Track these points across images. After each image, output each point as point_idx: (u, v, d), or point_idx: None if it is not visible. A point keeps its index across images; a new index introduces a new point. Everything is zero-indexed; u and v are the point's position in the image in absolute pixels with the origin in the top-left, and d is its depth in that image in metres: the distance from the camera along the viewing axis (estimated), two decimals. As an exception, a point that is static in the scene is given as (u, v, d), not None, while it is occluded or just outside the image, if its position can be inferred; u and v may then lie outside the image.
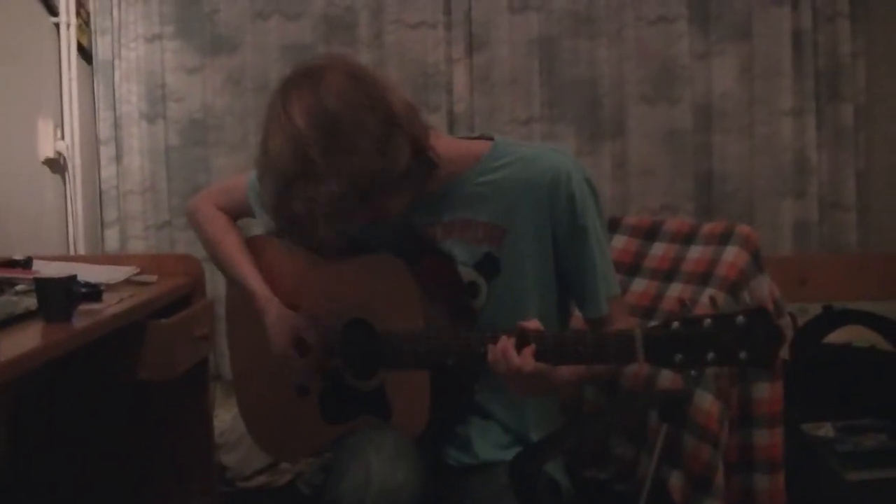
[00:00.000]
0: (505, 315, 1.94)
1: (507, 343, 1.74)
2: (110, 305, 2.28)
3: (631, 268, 2.35)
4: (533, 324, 1.76)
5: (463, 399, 2.00)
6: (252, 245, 2.22)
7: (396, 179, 1.80)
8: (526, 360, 1.72)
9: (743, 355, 1.56)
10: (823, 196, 3.57)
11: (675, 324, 1.62)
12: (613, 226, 2.41)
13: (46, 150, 3.18)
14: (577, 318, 2.07)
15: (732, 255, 2.18)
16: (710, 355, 1.58)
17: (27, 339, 1.91)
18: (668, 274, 2.29)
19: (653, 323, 2.17)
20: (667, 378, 2.11)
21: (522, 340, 1.74)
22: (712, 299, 1.99)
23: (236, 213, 2.27)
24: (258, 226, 2.24)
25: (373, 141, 1.75)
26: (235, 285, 2.21)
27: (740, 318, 1.57)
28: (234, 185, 2.27)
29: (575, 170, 1.94)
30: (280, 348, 2.06)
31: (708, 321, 1.59)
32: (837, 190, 3.56)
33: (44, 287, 2.08)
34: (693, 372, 1.63)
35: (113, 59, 3.53)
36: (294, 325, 2.06)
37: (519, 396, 1.90)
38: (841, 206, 3.56)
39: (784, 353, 1.66)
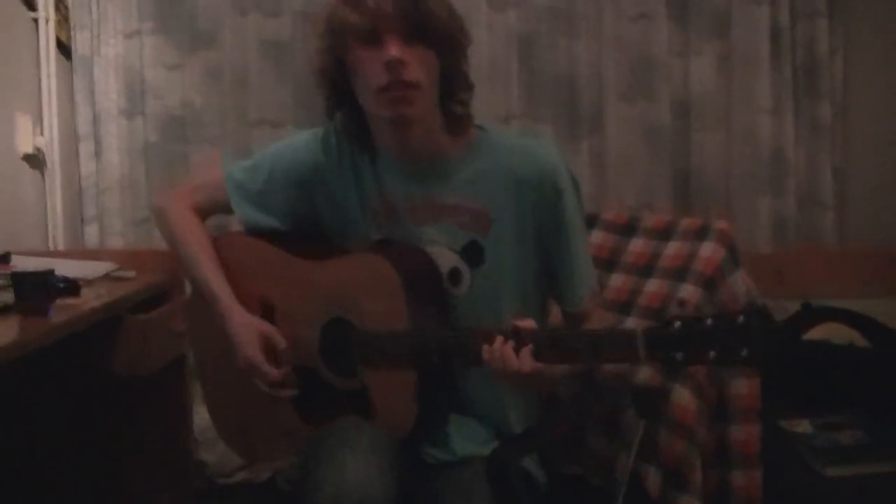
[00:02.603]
0: (486, 304, 1.96)
1: (504, 344, 1.74)
2: (88, 300, 2.27)
3: (608, 263, 2.36)
4: (528, 323, 1.77)
5: (448, 398, 2.00)
6: (225, 244, 2.18)
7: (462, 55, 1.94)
8: (524, 361, 1.72)
9: (744, 353, 1.57)
10: (801, 192, 3.58)
11: (677, 323, 1.62)
12: (591, 221, 2.42)
13: (25, 146, 3.17)
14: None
15: (709, 250, 2.19)
16: (712, 354, 1.59)
17: (3, 333, 1.92)
18: (646, 269, 2.30)
19: (630, 318, 2.19)
20: (644, 373, 2.12)
21: (520, 341, 1.74)
22: (682, 302, 2.01)
23: (209, 210, 2.22)
24: (237, 223, 2.24)
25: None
26: (196, 287, 2.17)
27: (741, 318, 1.58)
28: (206, 182, 2.23)
29: (562, 163, 1.97)
30: (248, 358, 2.02)
31: (709, 320, 1.60)
32: (815, 185, 3.57)
33: (21, 281, 2.08)
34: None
35: (92, 55, 3.51)
36: (261, 331, 2.03)
37: (511, 389, 1.92)
38: (818, 201, 3.57)
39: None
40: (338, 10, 1.88)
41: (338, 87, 1.97)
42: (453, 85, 1.95)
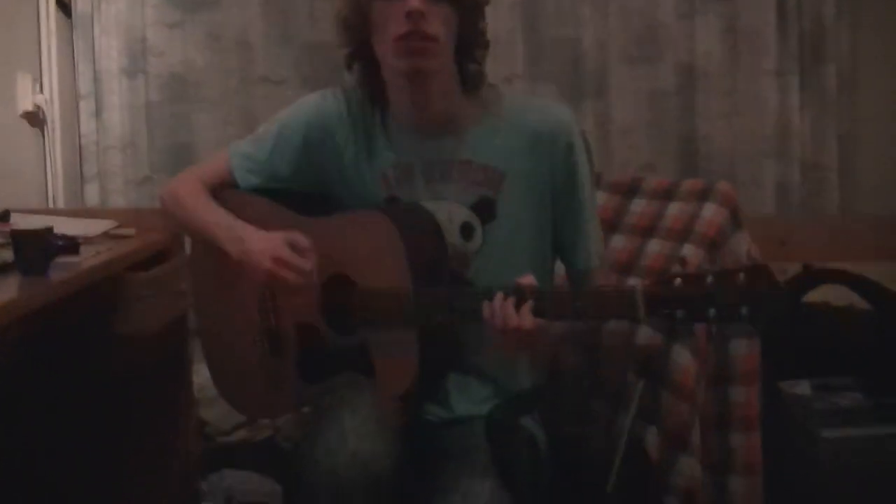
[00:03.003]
0: (499, 259, 1.97)
1: (505, 301, 1.74)
2: (87, 258, 2.27)
3: (611, 224, 2.36)
4: (528, 279, 1.77)
5: (449, 357, 2.00)
6: (225, 200, 2.13)
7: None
8: (525, 317, 1.72)
9: (744, 311, 1.58)
10: (805, 158, 3.56)
11: (677, 280, 1.63)
12: (594, 183, 2.41)
13: (25, 104, 3.15)
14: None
15: (711, 211, 2.19)
16: (712, 311, 1.60)
17: (2, 292, 1.90)
18: (647, 231, 2.29)
19: (632, 279, 2.19)
20: (645, 334, 2.12)
21: (520, 297, 1.73)
22: (682, 261, 2.00)
23: (217, 187, 2.16)
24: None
25: None
26: (207, 232, 2.09)
27: (741, 275, 1.58)
28: (210, 164, 2.21)
29: (574, 122, 2.01)
30: (277, 256, 1.92)
31: (710, 278, 1.60)
32: (819, 152, 3.55)
33: (19, 239, 2.07)
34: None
35: (92, 13, 3.48)
36: (283, 235, 1.96)
37: (510, 355, 1.91)
38: (822, 167, 3.55)
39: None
40: None
41: (357, 38, 1.97)
42: (470, 42, 1.97)
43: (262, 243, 1.96)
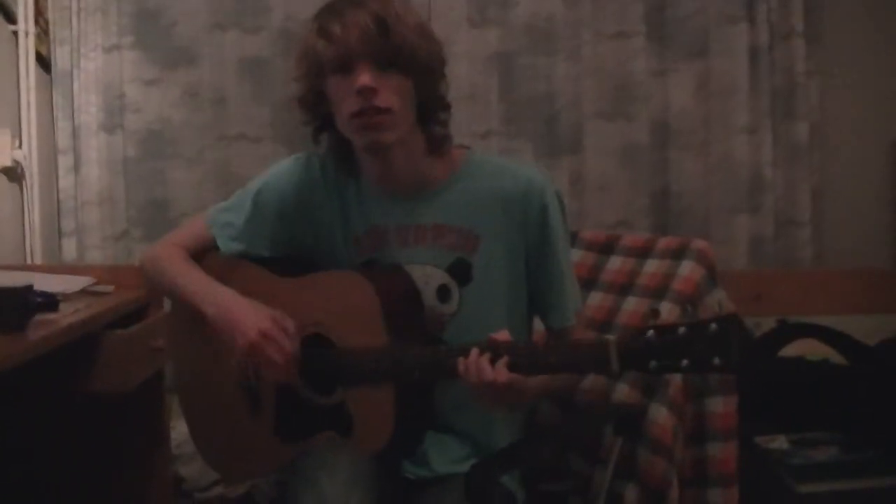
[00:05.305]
0: (476, 321, 1.97)
1: (480, 356, 1.74)
2: (66, 315, 2.26)
3: (587, 281, 2.36)
4: (503, 335, 1.77)
5: (427, 415, 2.00)
6: (205, 264, 2.13)
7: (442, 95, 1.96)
8: (500, 373, 1.72)
9: (717, 361, 1.58)
10: (778, 212, 3.60)
11: (650, 332, 1.63)
12: (570, 240, 2.43)
13: (4, 159, 3.15)
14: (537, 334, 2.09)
15: (688, 269, 2.20)
16: (685, 362, 1.60)
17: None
18: (624, 288, 2.30)
19: (609, 336, 2.19)
20: (622, 392, 2.13)
21: (495, 353, 1.74)
22: (654, 312, 2.01)
23: (198, 252, 2.16)
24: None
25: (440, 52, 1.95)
26: (187, 297, 2.07)
27: (713, 325, 1.59)
28: (189, 228, 2.21)
29: (548, 184, 1.99)
30: (264, 331, 1.91)
31: (682, 329, 1.61)
32: (792, 206, 3.60)
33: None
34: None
35: (72, 69, 3.51)
36: (270, 312, 1.95)
37: (487, 410, 1.91)
38: (796, 222, 3.59)
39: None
40: (311, 40, 1.89)
41: (318, 114, 1.98)
42: (430, 107, 1.96)
43: (250, 314, 1.95)
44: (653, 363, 1.63)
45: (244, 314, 1.95)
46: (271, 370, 1.96)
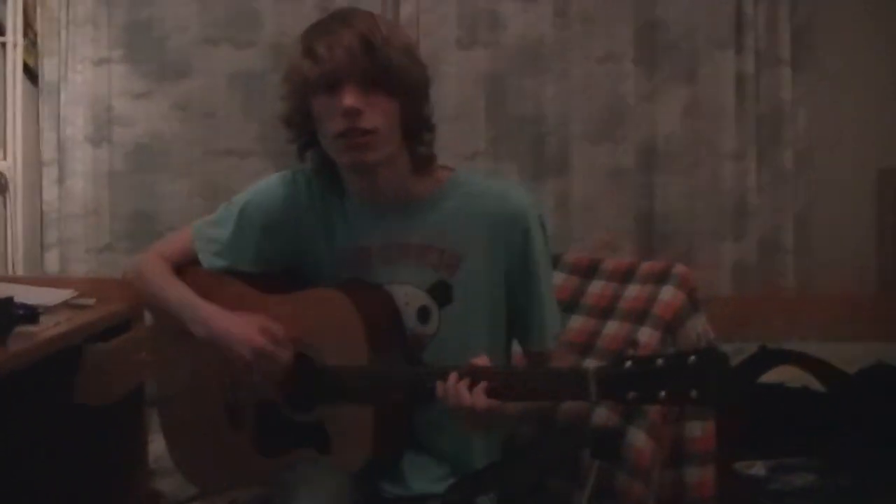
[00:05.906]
0: (455, 343, 1.96)
1: (459, 382, 1.74)
2: (47, 328, 2.26)
3: (569, 305, 2.36)
4: (482, 360, 1.78)
5: (405, 435, 2.00)
6: (187, 279, 2.12)
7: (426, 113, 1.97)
8: (478, 398, 1.73)
9: (694, 394, 1.59)
10: (763, 238, 3.62)
11: (628, 362, 1.64)
12: (553, 263, 2.42)
13: (-12, 170, 3.15)
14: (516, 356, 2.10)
15: (669, 294, 2.20)
16: (662, 394, 1.61)
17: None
18: (606, 311, 2.31)
19: (589, 360, 2.20)
20: (601, 415, 2.13)
21: (474, 378, 1.74)
22: (634, 343, 2.02)
23: (182, 263, 2.15)
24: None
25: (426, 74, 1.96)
26: (171, 310, 2.08)
27: (692, 358, 1.59)
28: (175, 242, 2.20)
29: (531, 206, 1.99)
30: (257, 346, 1.91)
31: (660, 360, 1.62)
32: (777, 232, 3.62)
33: (-21, 308, 2.06)
34: None
35: (59, 82, 3.51)
36: (260, 322, 1.95)
37: (466, 432, 1.91)
38: (780, 248, 3.61)
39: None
40: (297, 59, 1.90)
41: (304, 132, 1.98)
42: (415, 128, 1.96)
43: (240, 331, 1.94)
44: (631, 394, 1.63)
45: (233, 334, 1.94)
46: (269, 382, 1.97)
